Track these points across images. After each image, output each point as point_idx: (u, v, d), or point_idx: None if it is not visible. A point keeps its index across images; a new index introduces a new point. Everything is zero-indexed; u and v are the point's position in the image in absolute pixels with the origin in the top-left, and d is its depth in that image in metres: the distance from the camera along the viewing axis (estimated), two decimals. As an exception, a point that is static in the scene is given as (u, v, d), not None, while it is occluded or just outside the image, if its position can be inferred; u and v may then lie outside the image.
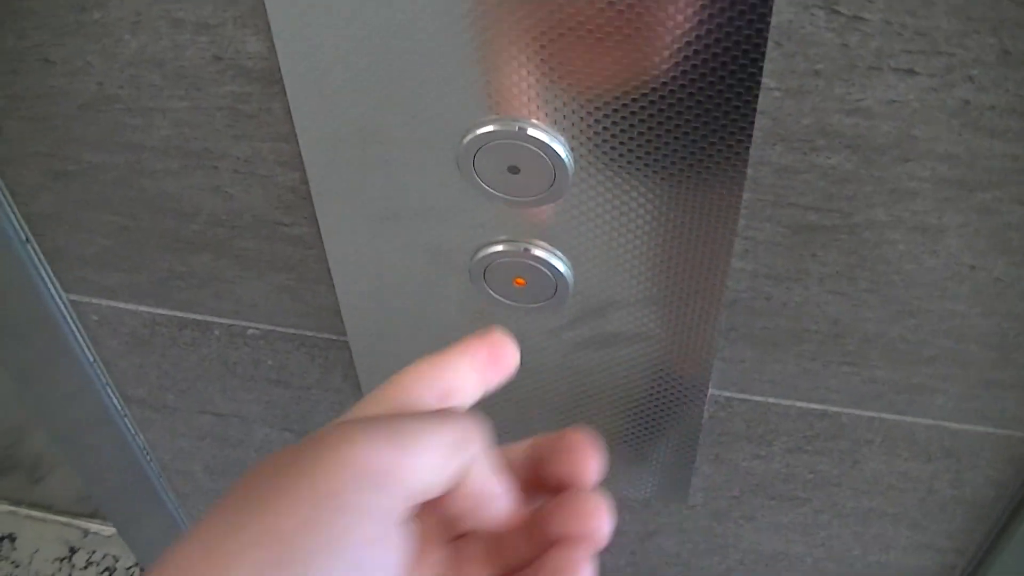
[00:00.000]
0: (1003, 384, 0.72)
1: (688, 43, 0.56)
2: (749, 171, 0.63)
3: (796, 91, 0.58)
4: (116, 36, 0.65)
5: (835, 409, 0.77)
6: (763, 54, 0.55)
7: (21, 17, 0.66)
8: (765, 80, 0.58)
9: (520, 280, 0.72)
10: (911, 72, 0.55)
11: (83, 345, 0.92)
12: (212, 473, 1.07)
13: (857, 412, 0.77)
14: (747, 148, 0.60)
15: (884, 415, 0.77)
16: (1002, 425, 0.75)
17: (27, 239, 0.83)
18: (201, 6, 0.62)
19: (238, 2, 0.61)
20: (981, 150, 0.58)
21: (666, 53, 0.56)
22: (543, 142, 0.62)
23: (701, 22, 0.55)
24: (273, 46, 0.63)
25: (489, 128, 0.62)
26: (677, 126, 0.60)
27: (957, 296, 0.67)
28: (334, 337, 0.84)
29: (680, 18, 0.55)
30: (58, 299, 0.88)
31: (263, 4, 0.61)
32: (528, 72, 0.59)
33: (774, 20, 0.55)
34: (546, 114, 0.61)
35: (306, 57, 0.62)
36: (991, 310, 0.67)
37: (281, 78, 0.65)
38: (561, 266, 0.70)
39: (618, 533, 0.93)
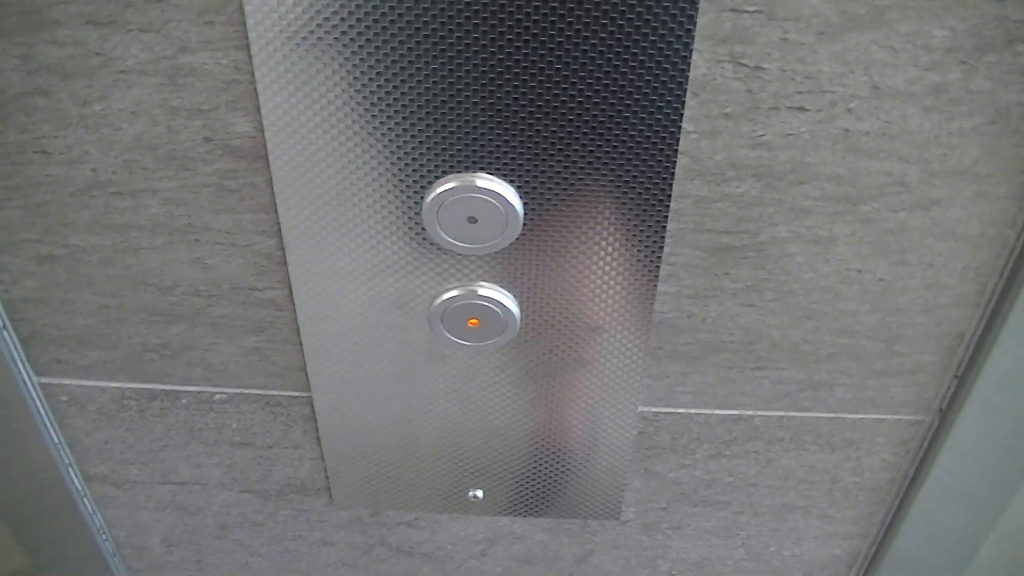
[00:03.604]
0: (890, 373, 0.85)
1: (619, 97, 0.68)
2: (672, 204, 0.75)
3: (710, 132, 0.70)
4: (115, 125, 0.74)
5: (749, 412, 0.89)
6: (683, 103, 0.68)
7: (25, 113, 0.73)
8: (684, 125, 0.70)
9: (474, 320, 0.82)
10: (802, 109, 0.69)
11: (50, 427, 0.98)
12: (170, 544, 1.13)
13: (768, 413, 0.89)
14: (670, 184, 0.72)
15: (792, 413, 0.89)
16: (892, 411, 0.88)
17: (4, 325, 0.89)
18: (197, 93, 0.71)
19: (231, 88, 0.71)
20: (861, 170, 0.72)
21: (602, 107, 0.68)
22: (496, 192, 0.73)
23: (631, 79, 0.67)
24: (261, 125, 0.73)
25: (450, 184, 0.73)
26: (611, 170, 0.72)
27: (848, 298, 0.80)
28: (296, 394, 0.93)
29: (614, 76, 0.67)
30: (29, 383, 0.94)
31: (254, 89, 0.71)
32: (482, 131, 0.70)
33: (691, 74, 0.67)
34: (497, 168, 0.72)
35: (291, 133, 0.72)
36: (876, 307, 0.80)
37: (266, 154, 0.74)
38: (510, 304, 0.81)
39: (556, 558, 1.04)
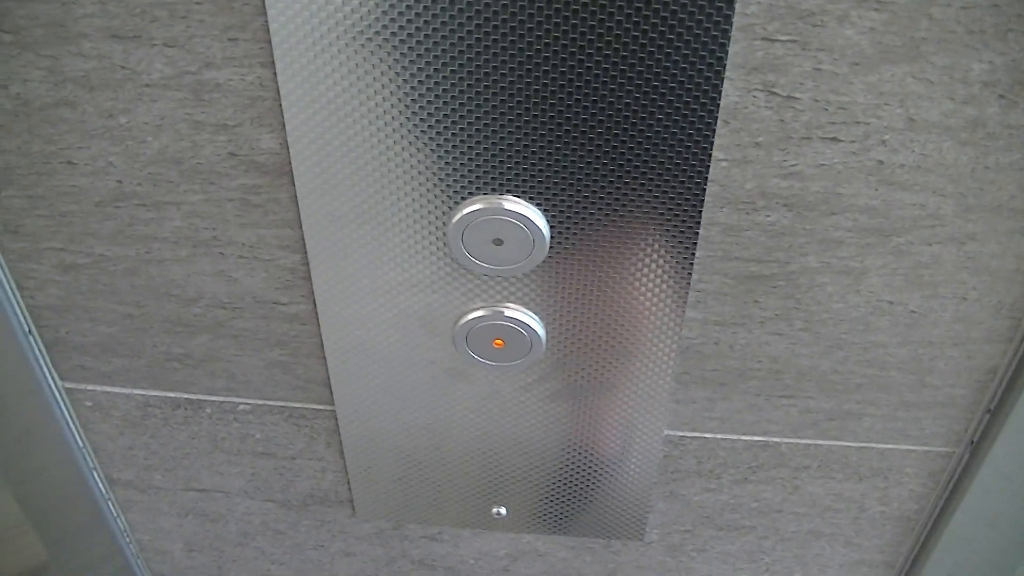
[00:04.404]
0: (920, 405, 0.83)
1: (650, 124, 0.66)
2: (701, 231, 0.73)
3: (741, 161, 0.69)
4: (140, 138, 0.73)
5: (776, 440, 0.88)
6: (714, 131, 0.66)
7: (51, 124, 0.73)
8: (715, 153, 0.69)
9: (499, 341, 0.81)
10: (835, 140, 0.67)
11: (74, 431, 0.98)
12: (192, 550, 1.13)
13: (795, 440, 0.88)
14: (700, 212, 0.71)
15: (819, 441, 0.87)
16: (921, 442, 0.86)
17: (29, 330, 0.89)
18: (223, 109, 0.71)
19: (256, 104, 0.70)
20: (894, 202, 0.70)
21: (632, 133, 0.67)
22: (523, 215, 0.72)
23: (662, 106, 0.65)
24: (286, 142, 0.72)
25: (476, 206, 0.72)
26: (640, 196, 0.70)
27: (878, 329, 0.78)
28: (320, 407, 0.92)
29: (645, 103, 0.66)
30: (54, 387, 0.94)
31: (279, 105, 0.70)
32: (509, 154, 0.69)
33: (722, 102, 0.66)
34: (524, 190, 0.71)
35: (316, 150, 0.71)
36: (907, 340, 0.79)
37: (290, 170, 0.74)
38: (535, 325, 0.79)
39: (579, 576, 1.03)
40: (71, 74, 0.70)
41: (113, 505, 1.07)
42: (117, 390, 0.94)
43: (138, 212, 0.78)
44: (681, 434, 0.89)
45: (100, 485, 1.04)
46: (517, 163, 0.70)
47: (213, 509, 1.06)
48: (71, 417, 0.97)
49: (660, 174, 0.69)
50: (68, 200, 0.78)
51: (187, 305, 0.85)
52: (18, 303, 0.87)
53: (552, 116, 0.67)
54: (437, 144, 0.69)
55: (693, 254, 0.74)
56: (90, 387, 0.94)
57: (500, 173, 0.70)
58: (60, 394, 0.95)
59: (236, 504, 1.05)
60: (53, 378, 0.93)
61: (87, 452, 1.01)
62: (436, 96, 0.67)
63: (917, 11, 0.60)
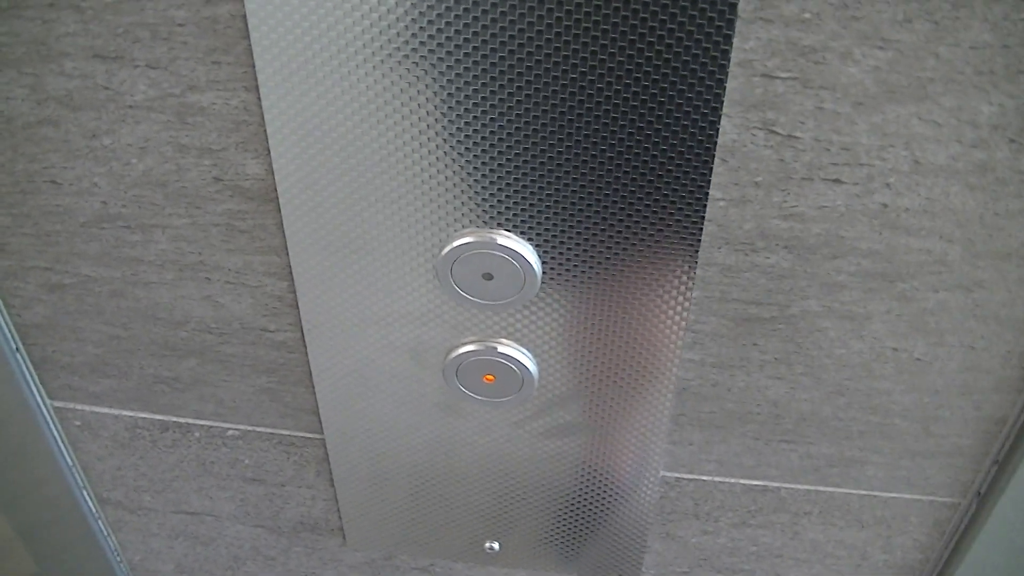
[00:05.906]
0: (925, 453, 0.80)
1: (645, 160, 0.64)
2: (698, 272, 0.71)
3: (739, 200, 0.66)
4: (124, 160, 0.72)
5: (775, 484, 0.85)
6: (711, 170, 0.64)
7: (34, 143, 0.72)
8: (712, 192, 0.66)
9: (489, 376, 0.79)
10: (838, 181, 0.64)
11: (64, 450, 0.97)
12: (183, 572, 1.11)
13: (796, 486, 0.85)
14: (696, 252, 0.68)
15: (820, 488, 0.85)
16: (927, 492, 0.83)
17: (17, 348, 0.87)
18: (207, 133, 0.69)
19: (241, 129, 0.68)
20: (899, 246, 0.67)
21: (626, 170, 0.65)
22: (515, 250, 0.69)
23: (657, 143, 0.63)
24: (271, 168, 0.70)
25: (466, 239, 0.70)
26: (635, 233, 0.68)
27: (882, 376, 0.75)
28: (310, 435, 0.90)
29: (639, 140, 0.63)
30: (42, 406, 0.92)
31: (264, 131, 0.68)
32: (499, 187, 0.67)
33: (720, 140, 0.63)
34: (516, 225, 0.69)
35: (301, 177, 0.69)
36: (912, 387, 0.76)
37: (276, 196, 0.72)
38: (527, 362, 0.77)
39: (574, 614, 1.00)
40: (54, 93, 0.68)
41: (104, 524, 1.06)
42: (105, 410, 0.92)
43: (123, 234, 0.76)
44: (677, 475, 0.86)
45: (90, 504, 1.03)
46: (508, 196, 0.67)
47: (203, 532, 1.05)
48: (60, 436, 0.95)
49: (656, 212, 0.67)
50: (53, 219, 0.76)
51: (174, 328, 0.83)
52: (5, 321, 0.85)
53: (545, 150, 0.64)
54: (429, 175, 0.67)
55: (689, 295, 0.71)
56: (79, 407, 0.92)
57: (492, 207, 0.68)
58: (49, 413, 0.93)
59: (226, 528, 1.03)
60: (42, 396, 0.92)
61: (77, 471, 0.99)
62: (427, 126, 0.65)
63: (923, 50, 0.58)
